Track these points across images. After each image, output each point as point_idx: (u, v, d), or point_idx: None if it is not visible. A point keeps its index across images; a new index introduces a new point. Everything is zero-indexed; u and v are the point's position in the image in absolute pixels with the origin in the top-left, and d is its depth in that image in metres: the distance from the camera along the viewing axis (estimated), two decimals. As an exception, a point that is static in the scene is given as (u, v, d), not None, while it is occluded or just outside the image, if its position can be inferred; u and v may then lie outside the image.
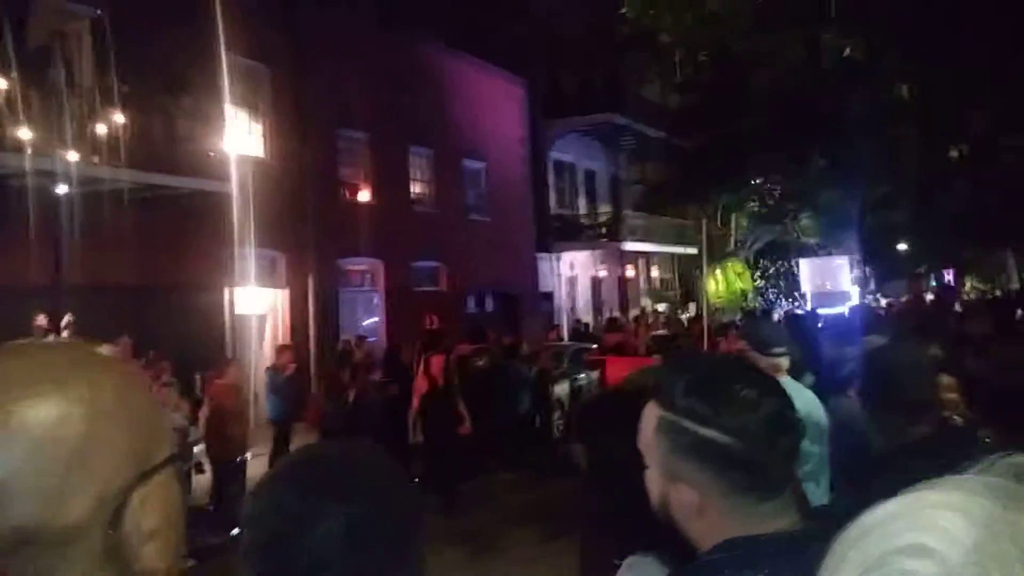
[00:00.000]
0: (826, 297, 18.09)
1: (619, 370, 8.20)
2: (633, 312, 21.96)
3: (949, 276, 24.97)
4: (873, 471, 1.99)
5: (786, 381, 3.20)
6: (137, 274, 10.37)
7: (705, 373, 1.15)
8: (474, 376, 9.64)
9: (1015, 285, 21.86)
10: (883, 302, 17.31)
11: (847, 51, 6.35)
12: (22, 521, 0.56)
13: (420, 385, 8.20)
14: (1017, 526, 0.39)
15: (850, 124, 9.31)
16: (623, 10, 7.87)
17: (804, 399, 3.16)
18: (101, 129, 9.57)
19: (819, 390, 3.42)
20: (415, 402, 8.15)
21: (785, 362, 3.26)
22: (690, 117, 18.64)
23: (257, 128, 13.64)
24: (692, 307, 24.89)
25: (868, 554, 0.42)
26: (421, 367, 8.39)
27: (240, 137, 12.94)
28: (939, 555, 0.39)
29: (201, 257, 11.51)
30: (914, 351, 2.44)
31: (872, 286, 25.12)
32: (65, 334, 9.58)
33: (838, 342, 4.53)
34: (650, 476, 1.14)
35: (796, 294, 23.53)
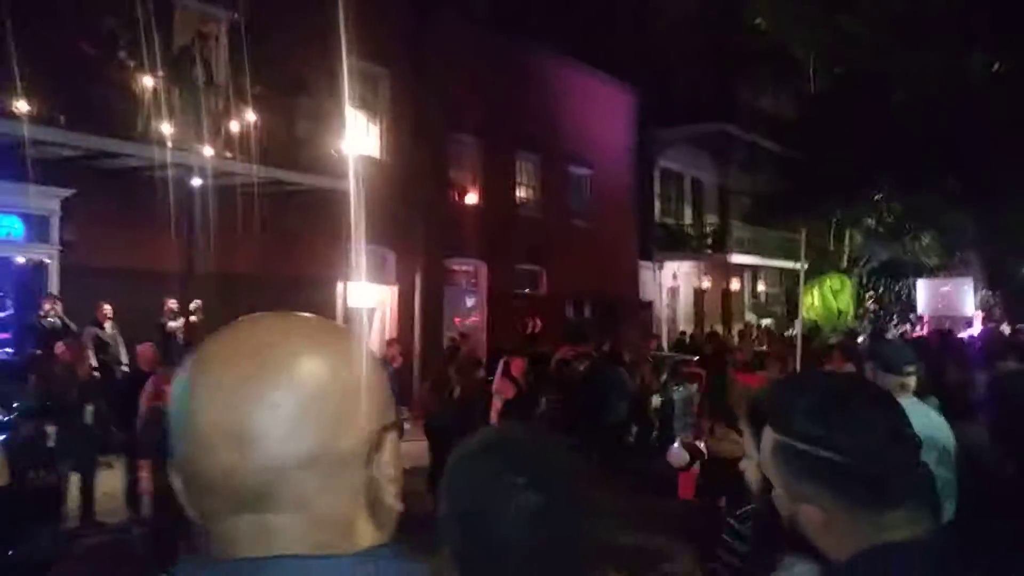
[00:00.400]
0: (945, 320, 17.11)
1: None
2: (737, 326, 21.42)
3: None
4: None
5: (912, 401, 3.09)
6: (260, 264, 10.95)
7: (816, 393, 1.16)
8: (572, 380, 9.66)
9: None
10: (1006, 328, 16.23)
11: (996, 67, 5.99)
12: (311, 442, 0.69)
13: (504, 387, 8.31)
14: None
15: (990, 143, 8.78)
16: (757, 21, 7.68)
17: (930, 420, 3.04)
18: (234, 126, 10.17)
19: (945, 414, 3.28)
20: (496, 404, 8.24)
21: (912, 381, 3.15)
22: (814, 129, 18.00)
23: (375, 129, 14.15)
24: (797, 324, 24.02)
25: None
26: (500, 369, 8.50)
27: (359, 137, 13.46)
28: None
29: (318, 251, 12.02)
30: None
31: (999, 312, 23.52)
32: (193, 318, 10.26)
33: (966, 366, 4.32)
34: (776, 496, 1.17)
35: (911, 316, 22.34)
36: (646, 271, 21.28)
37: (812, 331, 15.90)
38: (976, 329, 17.26)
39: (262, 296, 10.82)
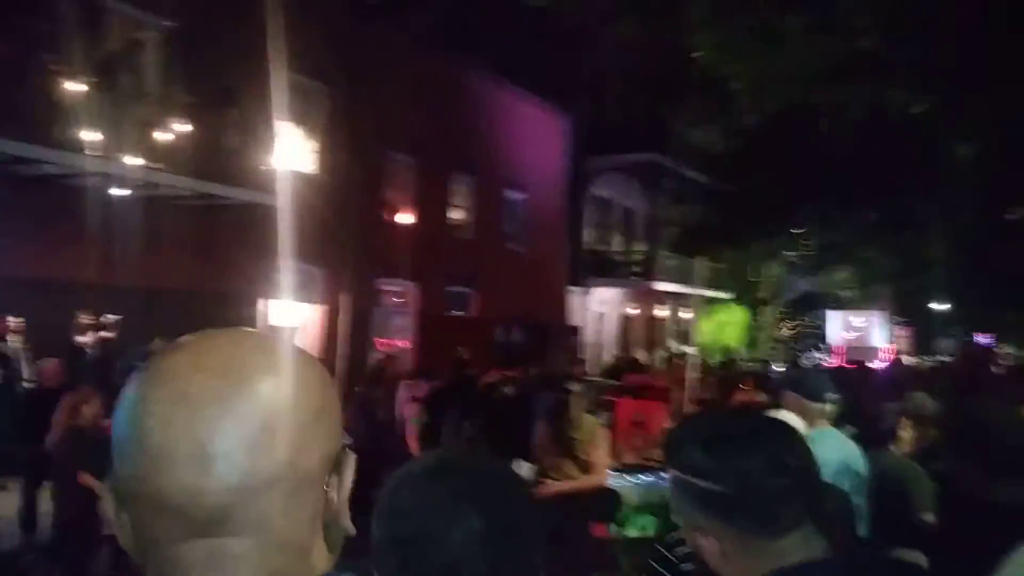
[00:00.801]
0: (855, 352, 17.84)
1: (627, 411, 8.17)
2: (660, 353, 21.84)
3: (985, 339, 24.50)
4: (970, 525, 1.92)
5: (829, 430, 3.21)
6: (182, 279, 10.62)
7: (705, 429, 1.23)
8: (499, 404, 9.64)
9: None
10: (925, 360, 17.06)
11: (913, 108, 6.37)
12: (276, 462, 0.67)
13: (412, 411, 8.31)
14: None
15: (907, 180, 9.31)
16: (697, 53, 7.95)
17: (845, 448, 3.17)
18: (162, 136, 9.88)
19: (860, 443, 3.42)
20: (412, 428, 8.23)
21: (830, 409, 3.28)
22: (740, 162, 18.66)
23: (309, 145, 13.96)
24: (691, 351, 24.68)
25: None
26: (404, 393, 8.51)
27: (292, 152, 13.26)
28: None
29: (244, 267, 11.74)
30: (1010, 410, 2.37)
31: (905, 344, 24.71)
32: (106, 333, 9.83)
33: (880, 397, 4.52)
34: (683, 530, 1.23)
35: (821, 346, 23.23)
36: (575, 296, 21.54)
37: (727, 361, 16.33)
38: (885, 361, 18.07)
39: (182, 312, 10.46)
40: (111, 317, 9.77)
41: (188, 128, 10.25)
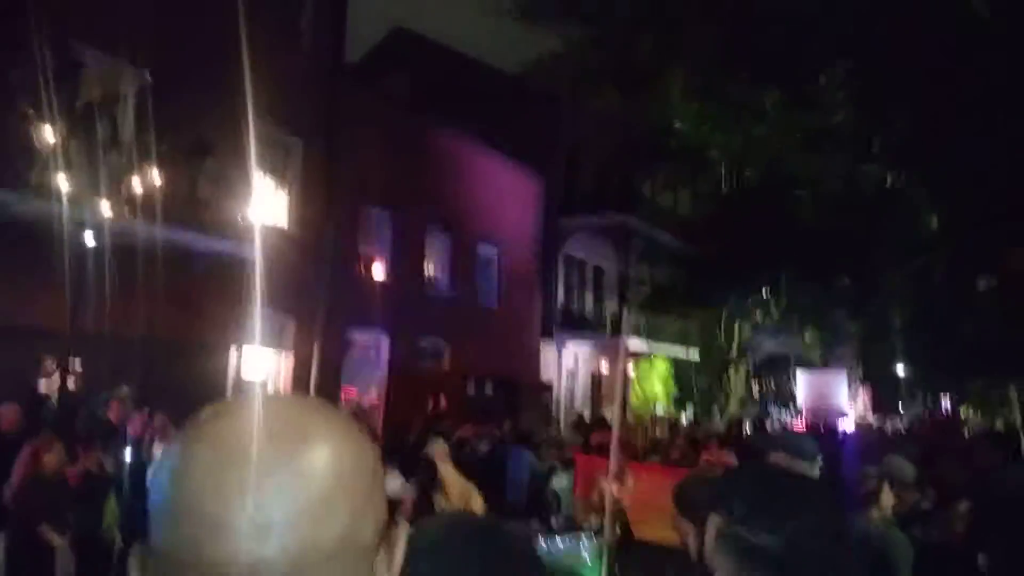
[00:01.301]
0: (822, 412, 17.95)
1: (589, 469, 8.09)
2: (609, 410, 21.80)
3: (946, 403, 24.94)
4: None
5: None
6: (151, 327, 10.43)
7: (762, 483, 1.23)
8: (472, 460, 9.52)
9: (1017, 418, 21.68)
10: (897, 423, 17.22)
11: (888, 182, 6.61)
12: (338, 532, 0.65)
13: None
14: None
15: (877, 248, 9.62)
16: (676, 124, 8.21)
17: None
18: (136, 185, 9.83)
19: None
20: None
21: (817, 470, 3.30)
22: (711, 226, 19.08)
23: (284, 197, 13.97)
24: (689, 409, 24.78)
25: None
26: None
27: (266, 204, 13.25)
28: None
29: (215, 316, 11.59)
30: None
31: (863, 403, 25.03)
32: (70, 381, 9.58)
33: (858, 460, 4.56)
34: None
35: (791, 406, 23.38)
36: (547, 353, 21.54)
37: (698, 418, 16.36)
38: (850, 419, 18.24)
39: (150, 359, 10.28)
40: (76, 363, 9.55)
41: (163, 177, 10.21)
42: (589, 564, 4.62)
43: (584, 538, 4.82)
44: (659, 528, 7.52)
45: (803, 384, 19.38)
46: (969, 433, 12.85)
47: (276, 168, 13.83)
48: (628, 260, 23.89)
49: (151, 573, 0.66)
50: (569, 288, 23.48)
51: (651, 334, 24.21)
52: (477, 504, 4.82)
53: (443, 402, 11.48)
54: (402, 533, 0.71)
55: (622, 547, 5.59)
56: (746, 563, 1.13)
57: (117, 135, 10.49)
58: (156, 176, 10.11)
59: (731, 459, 8.95)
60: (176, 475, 0.65)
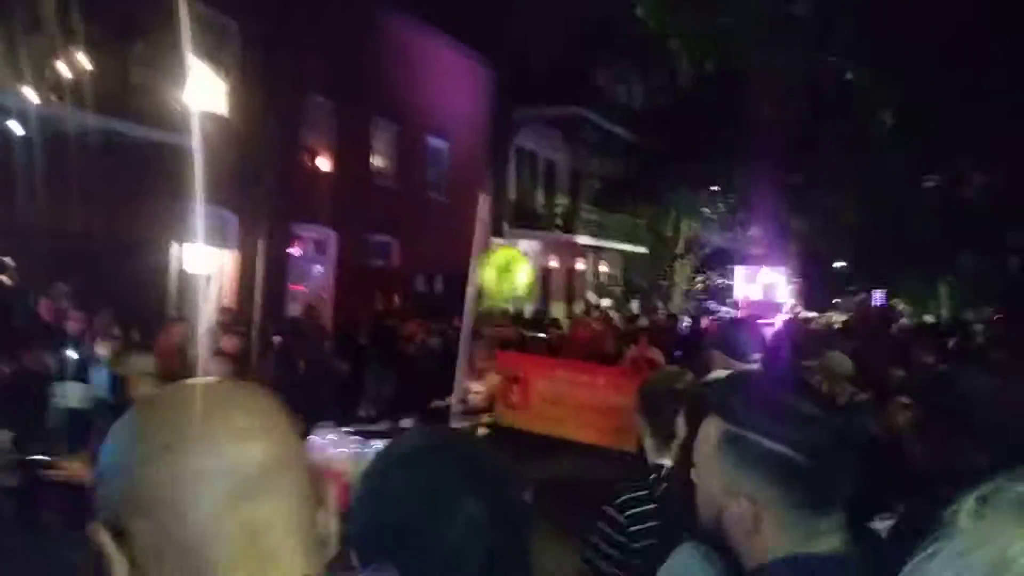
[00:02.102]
0: (758, 307, 18.45)
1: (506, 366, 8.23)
2: (578, 305, 22.20)
3: (879, 296, 25.94)
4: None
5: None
6: (87, 222, 10.01)
7: (766, 389, 1.19)
8: (423, 357, 9.62)
9: (944, 312, 22.85)
10: (834, 318, 17.82)
11: (848, 75, 6.55)
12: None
13: (218, 366, 7.97)
14: None
15: (830, 145, 9.67)
16: (636, 10, 7.93)
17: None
18: (63, 70, 9.19)
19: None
20: None
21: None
22: (665, 118, 18.89)
23: (221, 84, 13.27)
24: (635, 304, 25.33)
25: None
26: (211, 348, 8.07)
27: (203, 91, 12.57)
28: None
29: (153, 210, 11.18)
30: (993, 380, 2.33)
31: (801, 300, 25.89)
32: (2, 278, 9.21)
33: (796, 355, 4.71)
34: (706, 490, 1.14)
35: (727, 300, 24.05)
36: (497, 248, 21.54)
37: (631, 315, 16.64)
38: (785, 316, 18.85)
39: (89, 256, 9.93)
40: (9, 260, 9.16)
41: (91, 61, 9.56)
42: None
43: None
44: (555, 423, 7.81)
45: (740, 279, 19.74)
46: (899, 327, 13.45)
47: (213, 53, 13.05)
48: (580, 153, 23.68)
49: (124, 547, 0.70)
50: (520, 181, 23.27)
51: (601, 230, 24.37)
52: None
53: (393, 298, 11.46)
54: (330, 488, 0.79)
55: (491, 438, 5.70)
56: (759, 469, 1.08)
57: (39, 16, 9.69)
58: (84, 60, 9.46)
59: (657, 355, 9.18)
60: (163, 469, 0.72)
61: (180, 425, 0.72)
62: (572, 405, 7.85)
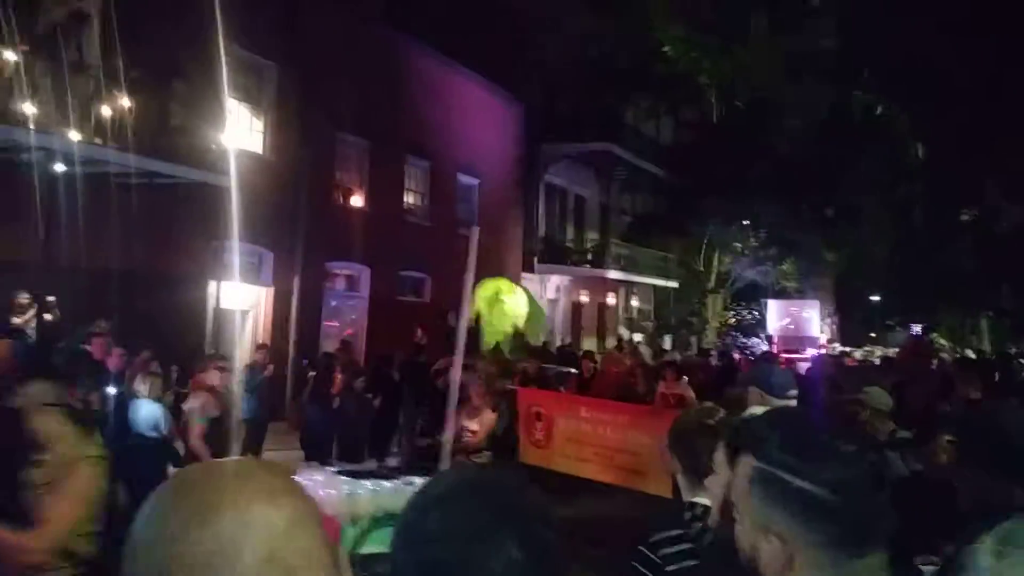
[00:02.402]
0: (791, 341, 18.12)
1: (526, 401, 8.14)
2: (611, 341, 22.09)
3: (917, 330, 25.42)
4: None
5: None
6: (127, 259, 10.26)
7: (801, 426, 1.17)
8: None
9: (987, 347, 22.31)
10: (878, 352, 17.46)
11: (878, 109, 6.53)
12: None
13: (206, 404, 7.87)
14: None
15: (861, 178, 9.61)
16: (665, 48, 8.02)
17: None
18: (105, 111, 9.50)
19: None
20: (197, 428, 7.58)
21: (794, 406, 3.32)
22: (694, 154, 18.92)
23: (258, 124, 13.61)
24: (667, 339, 25.10)
25: None
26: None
27: (240, 131, 12.91)
28: None
29: (191, 247, 11.43)
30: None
31: (832, 334, 25.40)
32: (47, 315, 9.44)
33: (835, 390, 4.63)
34: (741, 526, 1.14)
35: (761, 335, 23.70)
36: (528, 283, 21.57)
37: (674, 347, 16.45)
38: (818, 350, 18.48)
39: (128, 293, 10.15)
40: (51, 298, 9.39)
41: (132, 103, 9.86)
42: None
43: (418, 480, 4.10)
44: (578, 463, 7.61)
45: (773, 313, 19.43)
46: (939, 361, 13.15)
47: (250, 94, 13.42)
48: (610, 189, 23.76)
49: None
50: (550, 217, 23.38)
51: (631, 264, 24.32)
52: None
53: (425, 334, 11.50)
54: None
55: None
56: (782, 510, 1.08)
57: (83, 58, 10.06)
58: (126, 101, 9.77)
59: (686, 391, 9.05)
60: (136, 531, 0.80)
61: (212, 494, 0.80)
62: (594, 444, 7.63)
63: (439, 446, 4.62)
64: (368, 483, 4.77)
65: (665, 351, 15.69)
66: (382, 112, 15.65)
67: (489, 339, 9.05)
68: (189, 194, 11.00)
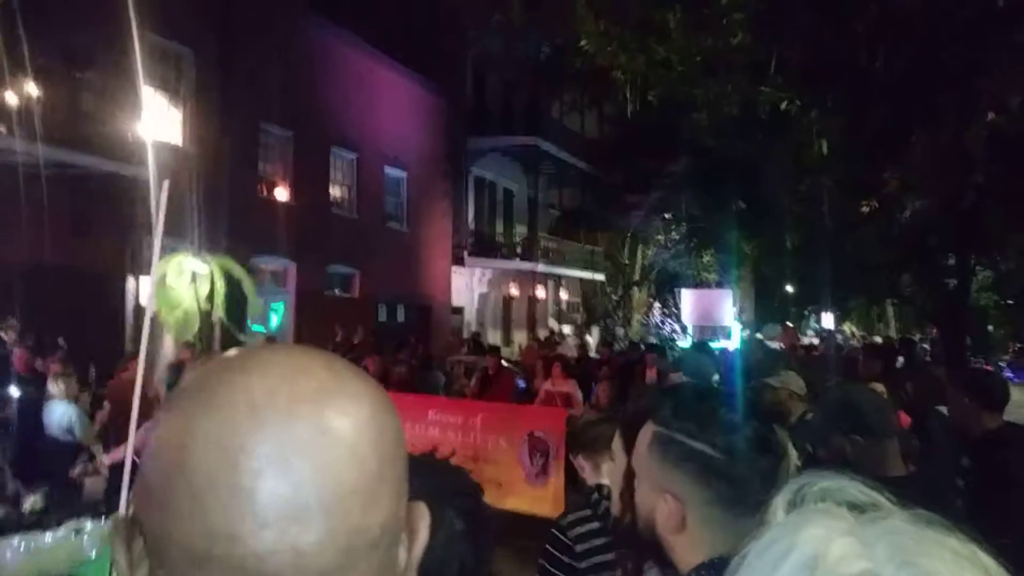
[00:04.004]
0: (707, 330, 18.45)
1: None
2: (542, 332, 22.33)
3: (828, 319, 26.54)
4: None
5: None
6: (39, 254, 9.83)
7: (694, 397, 1.28)
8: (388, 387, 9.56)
9: (893, 333, 23.53)
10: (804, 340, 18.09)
11: (784, 105, 6.83)
12: (386, 511, 0.55)
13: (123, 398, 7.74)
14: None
15: (772, 172, 10.03)
16: (582, 43, 8.14)
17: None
18: (11, 99, 9.07)
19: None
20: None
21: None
22: (615, 150, 19.26)
23: (177, 114, 13.19)
24: (595, 330, 25.54)
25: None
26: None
27: (159, 122, 12.51)
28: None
29: (106, 242, 11.02)
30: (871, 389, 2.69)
31: (748, 322, 26.22)
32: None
33: (752, 375, 4.86)
34: (640, 491, 1.22)
35: (678, 326, 24.24)
36: (458, 277, 21.61)
37: (603, 339, 16.76)
38: (735, 339, 18.95)
39: (39, 290, 9.73)
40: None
41: (41, 91, 9.45)
42: (93, 557, 3.13)
43: (89, 524, 3.29)
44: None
45: (688, 302, 19.56)
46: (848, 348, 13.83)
47: (168, 83, 12.99)
48: (537, 183, 23.98)
49: (142, 558, 0.54)
50: (479, 211, 23.44)
51: (559, 257, 24.63)
52: None
53: (355, 329, 11.41)
54: (424, 513, 0.62)
55: None
56: (678, 469, 1.17)
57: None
58: (33, 89, 9.35)
59: (574, 389, 8.60)
60: (190, 445, 0.52)
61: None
62: (445, 453, 7.00)
63: None
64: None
65: (587, 346, 15.85)
66: (306, 102, 15.40)
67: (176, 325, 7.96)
68: (104, 186, 10.61)
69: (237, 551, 0.50)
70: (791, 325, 21.09)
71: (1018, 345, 28.09)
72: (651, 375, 9.04)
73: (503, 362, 10.39)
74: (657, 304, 28.00)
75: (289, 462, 0.51)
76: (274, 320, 15.14)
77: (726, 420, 1.20)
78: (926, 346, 16.55)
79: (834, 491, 0.59)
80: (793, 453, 3.63)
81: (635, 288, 26.48)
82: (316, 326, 14.07)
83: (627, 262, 26.26)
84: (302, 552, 0.50)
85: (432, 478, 0.98)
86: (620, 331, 23.78)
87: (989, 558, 0.53)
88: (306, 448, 0.52)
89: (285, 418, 0.52)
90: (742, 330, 19.43)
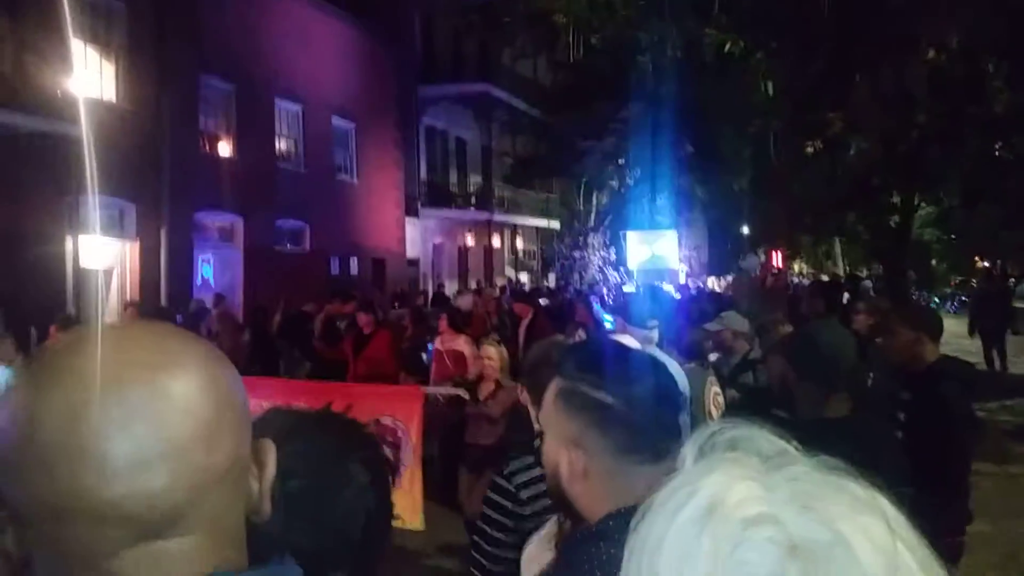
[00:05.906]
0: (651, 273, 18.28)
1: None
2: (499, 281, 22.37)
3: (778, 258, 27.15)
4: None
5: (659, 352, 3.47)
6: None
7: (597, 350, 1.30)
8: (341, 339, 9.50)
9: (839, 270, 24.10)
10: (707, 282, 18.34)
11: (727, 47, 6.80)
12: (227, 451, 0.63)
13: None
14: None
15: (719, 115, 10.07)
16: None
17: (674, 370, 3.44)
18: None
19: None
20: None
21: (656, 335, 3.53)
22: (567, 96, 19.08)
23: (110, 69, 12.63)
24: (552, 277, 25.66)
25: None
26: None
27: (91, 77, 11.98)
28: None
29: (40, 203, 10.62)
30: (842, 330, 2.69)
31: (696, 266, 26.57)
32: None
33: (696, 318, 4.94)
34: (547, 445, 1.23)
35: (622, 268, 24.28)
36: (412, 228, 21.41)
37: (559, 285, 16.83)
38: (680, 281, 18.97)
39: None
40: None
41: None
42: None
43: None
44: None
45: (632, 243, 19.31)
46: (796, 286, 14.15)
47: (98, 36, 12.39)
48: (491, 131, 23.71)
49: (6, 524, 0.62)
50: (432, 160, 23.13)
51: (514, 206, 24.53)
52: None
53: (305, 284, 11.26)
54: (270, 447, 0.70)
55: None
56: (580, 419, 1.18)
57: None
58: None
59: (466, 347, 8.13)
60: (37, 417, 0.59)
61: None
62: None
63: None
64: None
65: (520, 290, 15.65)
66: (247, 53, 14.88)
67: None
68: (35, 145, 10.18)
69: (92, 501, 0.58)
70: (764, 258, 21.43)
71: (959, 278, 29.08)
72: (582, 314, 9.15)
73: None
74: (612, 249, 28.18)
75: (126, 423, 0.59)
76: (205, 280, 14.83)
77: (627, 372, 1.21)
78: (869, 282, 17.02)
79: (743, 440, 0.59)
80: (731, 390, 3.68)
81: (591, 234, 26.57)
82: (267, 281, 13.85)
83: (581, 209, 26.29)
84: (153, 494, 0.59)
85: (335, 436, 0.99)
86: (576, 277, 23.90)
87: (889, 504, 0.53)
88: (141, 410, 0.59)
89: (118, 386, 0.60)
90: (687, 273, 19.50)
